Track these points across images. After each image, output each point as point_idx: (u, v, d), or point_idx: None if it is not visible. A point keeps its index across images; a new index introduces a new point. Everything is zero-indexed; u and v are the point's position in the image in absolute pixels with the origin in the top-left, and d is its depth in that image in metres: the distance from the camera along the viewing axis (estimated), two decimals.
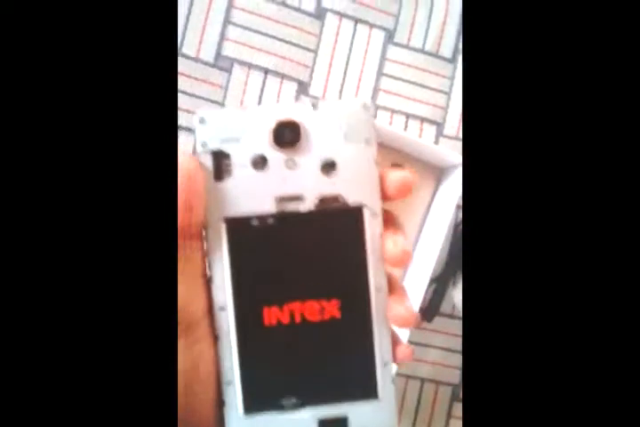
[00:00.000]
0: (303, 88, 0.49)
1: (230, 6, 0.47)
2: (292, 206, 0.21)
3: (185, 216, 0.20)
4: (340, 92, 0.49)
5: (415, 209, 0.51)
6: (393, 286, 0.23)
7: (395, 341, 0.23)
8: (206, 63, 0.47)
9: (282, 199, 0.21)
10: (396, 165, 0.49)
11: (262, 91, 0.48)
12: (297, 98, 0.49)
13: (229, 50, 0.48)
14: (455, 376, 0.50)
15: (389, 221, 0.23)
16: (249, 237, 0.21)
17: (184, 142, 0.47)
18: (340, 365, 0.22)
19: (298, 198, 0.21)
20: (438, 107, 0.51)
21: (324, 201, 0.21)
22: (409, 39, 0.51)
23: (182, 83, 0.46)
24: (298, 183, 0.21)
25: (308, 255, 0.22)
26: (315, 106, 0.21)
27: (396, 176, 0.22)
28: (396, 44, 0.51)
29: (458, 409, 0.50)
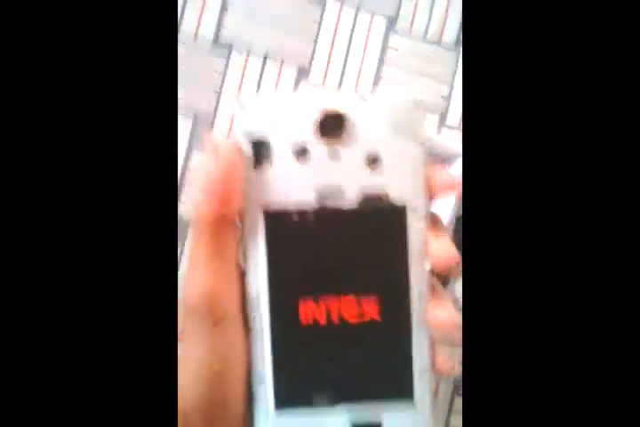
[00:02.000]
0: (303, 74, 0.48)
1: None
2: (333, 200, 0.21)
3: (222, 204, 0.19)
4: (341, 79, 0.48)
5: None
6: (434, 291, 0.22)
7: (436, 350, 0.22)
8: (204, 48, 0.46)
9: (322, 191, 0.21)
10: None
11: (261, 76, 0.47)
12: (296, 84, 0.48)
13: (228, 35, 0.47)
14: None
15: (434, 222, 0.22)
16: (287, 229, 0.21)
17: (185, 127, 0.46)
18: (377, 369, 0.21)
19: (339, 191, 0.21)
20: (440, 96, 0.50)
21: (366, 197, 0.21)
22: (411, 27, 0.50)
23: (180, 67, 0.45)
24: (340, 175, 0.20)
25: (348, 253, 0.21)
26: (363, 97, 0.20)
27: (443, 176, 0.21)
28: (398, 32, 0.50)
29: (459, 404, 0.49)
